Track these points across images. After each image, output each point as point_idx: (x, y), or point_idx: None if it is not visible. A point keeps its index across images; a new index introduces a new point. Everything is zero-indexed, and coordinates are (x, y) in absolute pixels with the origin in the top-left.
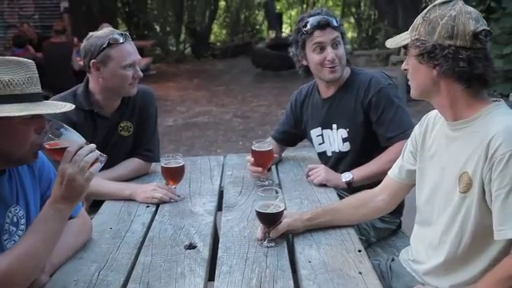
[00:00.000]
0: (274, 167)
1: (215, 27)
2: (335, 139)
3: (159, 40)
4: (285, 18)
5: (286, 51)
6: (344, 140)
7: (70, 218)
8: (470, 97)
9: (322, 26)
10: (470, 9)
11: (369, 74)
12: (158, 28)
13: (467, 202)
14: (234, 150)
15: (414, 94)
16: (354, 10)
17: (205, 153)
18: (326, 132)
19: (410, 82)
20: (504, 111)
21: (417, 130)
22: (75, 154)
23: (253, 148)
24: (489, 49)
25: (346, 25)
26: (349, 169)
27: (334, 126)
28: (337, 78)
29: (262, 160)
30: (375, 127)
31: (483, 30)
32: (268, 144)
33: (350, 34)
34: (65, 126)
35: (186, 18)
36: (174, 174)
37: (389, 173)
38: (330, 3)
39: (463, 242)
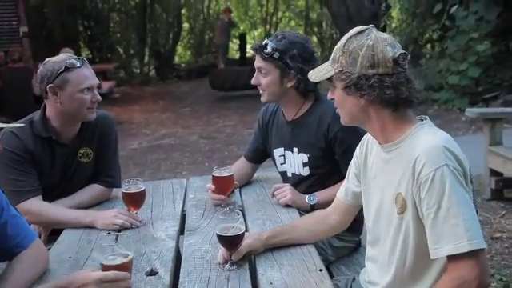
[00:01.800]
0: (237, 188)
1: (179, 48)
2: (295, 162)
3: (123, 62)
4: (248, 39)
5: (252, 68)
6: (304, 164)
7: (22, 248)
8: (397, 119)
9: (255, 49)
10: (384, 35)
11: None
12: (121, 50)
13: (405, 222)
14: (199, 172)
15: (344, 121)
16: (316, 29)
17: (170, 175)
18: (288, 154)
19: (338, 110)
20: (426, 131)
21: (358, 152)
22: (110, 281)
23: (213, 174)
24: (408, 70)
25: None
26: (307, 191)
27: (295, 149)
28: (264, 101)
29: (223, 186)
30: (339, 158)
31: (400, 54)
32: (229, 170)
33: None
34: None
35: (150, 40)
36: (134, 200)
37: (337, 194)
38: (293, 23)
39: (407, 261)
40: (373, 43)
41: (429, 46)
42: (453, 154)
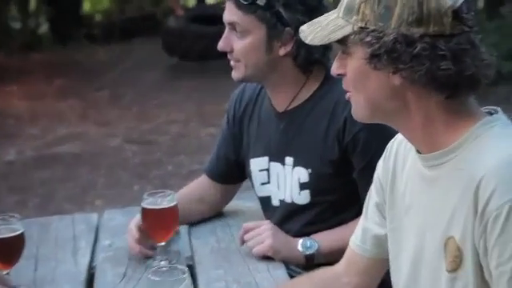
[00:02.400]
0: (184, 229)
1: None
2: (288, 181)
3: None
4: None
5: (217, 27)
6: (302, 186)
7: None
8: (452, 112)
9: None
10: None
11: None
12: None
13: (460, 285)
14: (124, 202)
15: (359, 113)
16: None
17: (74, 207)
18: (276, 167)
19: (348, 96)
20: (498, 133)
21: (380, 168)
22: None
23: (143, 205)
24: (475, 30)
25: None
26: (304, 232)
27: (289, 160)
28: (237, 78)
29: (160, 225)
30: (359, 177)
31: (464, 1)
32: (170, 197)
33: None
34: None
35: None
36: (5, 251)
37: (350, 241)
38: None
39: None
40: None
41: None
42: None
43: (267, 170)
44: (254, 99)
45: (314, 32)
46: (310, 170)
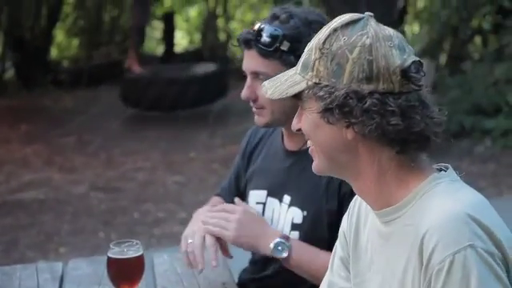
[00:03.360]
0: (149, 277)
1: (59, 34)
2: (281, 219)
3: None
4: (179, 21)
5: (186, 74)
6: (294, 226)
7: None
8: (403, 167)
9: (245, 41)
10: (388, 29)
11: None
12: None
13: None
14: (88, 249)
15: (319, 166)
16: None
17: (37, 254)
18: (272, 203)
19: (311, 149)
20: (444, 189)
21: (345, 223)
22: None
23: (109, 255)
24: (423, 89)
25: None
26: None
27: (287, 198)
28: (262, 124)
29: (126, 276)
30: None
31: (413, 62)
32: (137, 247)
33: None
34: None
35: (6, 17)
36: None
37: None
38: None
39: None
40: (371, 42)
41: (477, 40)
42: (484, 227)
43: (264, 204)
44: (267, 135)
45: (273, 87)
46: (305, 213)
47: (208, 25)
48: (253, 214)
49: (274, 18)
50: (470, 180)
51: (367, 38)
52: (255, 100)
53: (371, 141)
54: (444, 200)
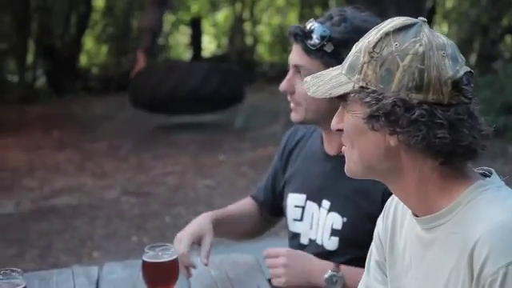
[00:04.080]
0: (183, 282)
1: (88, 42)
2: (321, 224)
3: None
4: (206, 26)
5: (215, 81)
6: (334, 232)
7: None
8: (446, 176)
9: (294, 34)
10: (442, 38)
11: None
12: None
13: None
14: (121, 253)
15: (351, 169)
16: (319, 11)
17: (71, 259)
18: (312, 207)
19: (343, 150)
20: (491, 197)
21: (380, 225)
22: None
23: (144, 259)
24: (473, 102)
25: None
26: None
27: (326, 203)
28: (297, 121)
29: (161, 279)
30: None
31: (465, 73)
32: (171, 251)
33: None
34: None
35: (36, 25)
36: None
37: None
38: (281, 1)
39: None
40: (424, 50)
41: (508, 39)
42: None
43: (303, 207)
44: (307, 137)
45: (316, 85)
46: (345, 219)
47: (235, 29)
48: (297, 253)
49: (328, 18)
50: (504, 181)
51: (420, 45)
52: (292, 93)
53: (415, 151)
54: (493, 209)
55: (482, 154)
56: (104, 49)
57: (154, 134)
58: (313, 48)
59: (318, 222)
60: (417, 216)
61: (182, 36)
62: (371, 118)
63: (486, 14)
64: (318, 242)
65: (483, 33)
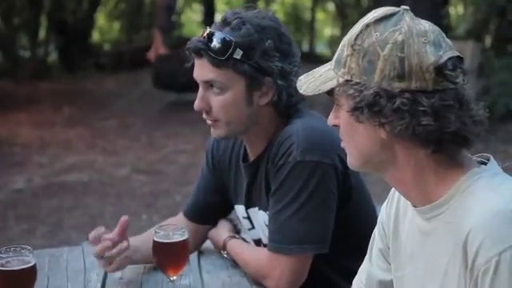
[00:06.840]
0: (194, 262)
1: (100, 18)
2: (260, 224)
3: (1, 40)
4: (219, 3)
5: None
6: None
7: None
8: (441, 164)
9: (195, 50)
10: (424, 24)
11: (299, 127)
12: None
13: None
14: (131, 231)
15: (352, 163)
16: None
17: (82, 236)
18: (254, 213)
19: (343, 145)
20: (485, 184)
21: (384, 214)
22: None
23: (155, 239)
24: (462, 86)
25: (321, 15)
26: None
27: (258, 205)
28: (220, 136)
29: (171, 258)
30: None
31: (449, 59)
32: (182, 231)
33: (327, 31)
34: None
35: (49, 1)
36: (17, 284)
37: (355, 284)
38: None
39: None
40: (403, 39)
41: None
42: None
43: (248, 218)
44: (231, 147)
45: (307, 82)
46: (267, 213)
47: (248, 7)
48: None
49: (226, 23)
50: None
51: (399, 34)
52: (208, 111)
53: (405, 141)
54: (486, 196)
55: (475, 140)
56: (116, 25)
57: (166, 112)
58: (221, 59)
59: (259, 222)
60: (416, 207)
61: (195, 14)
62: (355, 110)
63: None
64: (264, 241)
65: (500, 14)
